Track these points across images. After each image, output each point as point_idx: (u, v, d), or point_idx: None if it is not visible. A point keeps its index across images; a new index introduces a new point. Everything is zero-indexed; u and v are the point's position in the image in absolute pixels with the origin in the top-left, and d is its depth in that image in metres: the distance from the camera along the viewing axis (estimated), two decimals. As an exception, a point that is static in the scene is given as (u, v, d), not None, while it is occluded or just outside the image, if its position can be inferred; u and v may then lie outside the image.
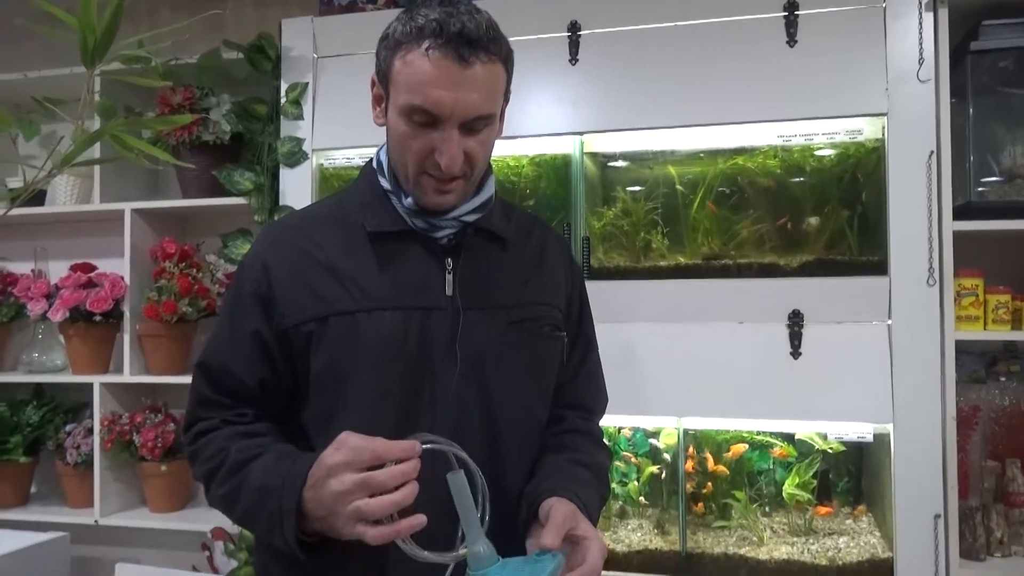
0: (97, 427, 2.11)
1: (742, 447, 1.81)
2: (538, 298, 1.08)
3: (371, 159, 1.09)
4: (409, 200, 1.02)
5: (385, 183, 1.04)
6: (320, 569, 0.94)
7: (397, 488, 0.84)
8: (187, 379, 2.02)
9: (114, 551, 2.30)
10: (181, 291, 2.06)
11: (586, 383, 1.17)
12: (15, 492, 2.24)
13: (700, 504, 1.81)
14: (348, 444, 0.87)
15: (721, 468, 1.81)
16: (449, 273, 1.01)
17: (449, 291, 1.00)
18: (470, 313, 1.00)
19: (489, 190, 1.06)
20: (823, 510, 1.78)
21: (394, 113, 0.97)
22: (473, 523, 0.87)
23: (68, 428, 2.21)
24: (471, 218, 1.04)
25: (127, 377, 2.13)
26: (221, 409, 1.02)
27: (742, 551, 1.69)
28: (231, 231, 2.10)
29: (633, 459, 1.87)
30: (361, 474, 0.84)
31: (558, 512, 0.91)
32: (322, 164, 2.00)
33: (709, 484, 1.79)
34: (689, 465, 1.80)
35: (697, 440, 1.84)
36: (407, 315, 0.98)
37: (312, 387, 1.00)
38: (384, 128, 1.02)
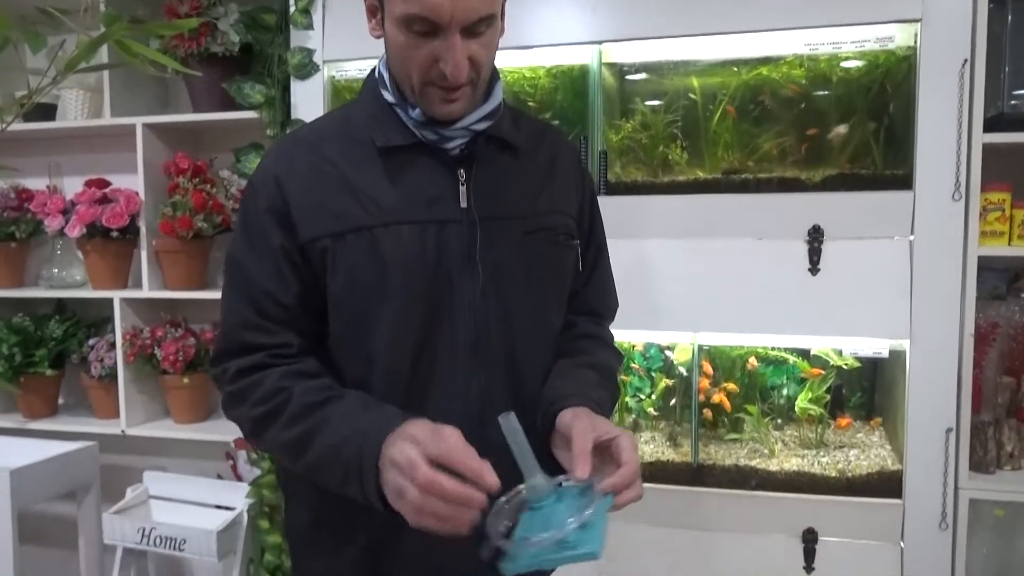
0: (119, 341, 2.15)
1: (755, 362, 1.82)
2: (552, 207, 1.07)
3: (372, 70, 1.06)
4: (416, 111, 0.99)
5: (388, 96, 1.01)
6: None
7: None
8: (205, 294, 2.10)
9: (141, 460, 2.38)
10: (196, 207, 2.06)
11: (597, 289, 1.19)
12: (44, 403, 2.31)
13: (708, 412, 1.82)
14: (424, 455, 0.82)
15: (732, 385, 1.83)
16: (462, 184, 0.99)
17: (464, 203, 0.99)
18: (486, 224, 0.99)
19: (497, 97, 1.03)
20: (843, 422, 1.80)
21: (391, 24, 0.94)
22: (529, 460, 0.87)
23: (91, 342, 2.26)
24: (481, 127, 1.01)
25: (146, 292, 2.15)
26: (264, 334, 0.98)
27: (753, 463, 1.72)
28: (243, 145, 2.08)
29: (642, 373, 1.89)
30: (422, 493, 0.81)
31: (579, 436, 0.90)
32: (333, 76, 1.95)
33: (722, 395, 1.80)
34: (703, 382, 1.82)
35: (711, 356, 1.84)
36: (423, 228, 0.97)
37: (332, 307, 0.99)
38: (382, 40, 0.99)
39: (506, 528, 0.88)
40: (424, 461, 0.81)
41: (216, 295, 1.09)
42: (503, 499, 0.87)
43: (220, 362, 1.02)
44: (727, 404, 1.80)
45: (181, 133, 2.23)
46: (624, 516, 1.71)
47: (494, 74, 1.03)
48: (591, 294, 1.17)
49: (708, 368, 1.83)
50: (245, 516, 2.03)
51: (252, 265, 0.99)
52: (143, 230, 2.14)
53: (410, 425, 0.87)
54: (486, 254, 0.99)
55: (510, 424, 0.87)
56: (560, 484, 0.89)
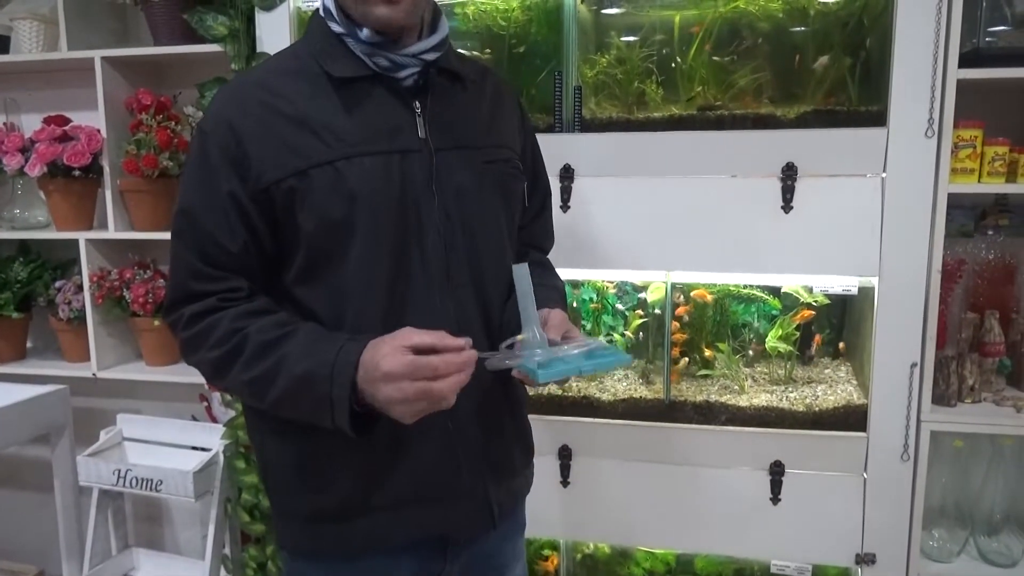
0: (87, 283, 2.12)
1: (705, 293, 1.84)
2: (501, 141, 1.11)
3: (316, 9, 1.05)
4: (365, 32, 0.99)
5: (337, 26, 1.01)
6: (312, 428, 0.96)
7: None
8: None
9: (114, 403, 2.37)
10: (160, 144, 2.01)
11: (543, 227, 1.28)
12: (11, 347, 2.28)
13: (677, 350, 1.85)
14: (405, 355, 0.88)
15: (701, 293, 1.84)
16: (419, 115, 1.01)
17: (422, 133, 1.01)
18: (445, 154, 1.02)
19: (444, 29, 1.06)
20: (817, 339, 1.84)
21: None
22: (531, 310, 0.96)
23: (58, 284, 2.22)
24: (431, 56, 1.03)
25: (112, 233, 2.11)
26: (213, 281, 0.98)
27: (723, 399, 1.75)
28: (207, 80, 2.01)
29: (620, 308, 1.90)
30: (420, 383, 0.87)
31: (556, 315, 1.03)
32: (300, 8, 1.89)
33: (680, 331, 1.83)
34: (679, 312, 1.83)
35: (684, 293, 1.86)
36: (386, 159, 0.98)
37: (304, 245, 0.98)
38: None
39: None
40: (424, 358, 0.87)
41: (182, 235, 1.08)
42: (503, 345, 0.96)
43: (173, 310, 1.02)
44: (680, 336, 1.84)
45: (142, 68, 2.16)
46: (597, 451, 1.76)
47: (437, 8, 1.06)
48: (537, 231, 1.26)
49: (682, 310, 1.85)
50: (221, 456, 2.04)
51: (200, 213, 0.98)
52: (106, 169, 2.09)
53: (375, 342, 0.91)
54: (445, 181, 1.01)
55: (522, 274, 0.96)
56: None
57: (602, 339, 0.99)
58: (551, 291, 1.15)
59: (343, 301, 0.99)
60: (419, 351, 0.88)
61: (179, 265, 1.01)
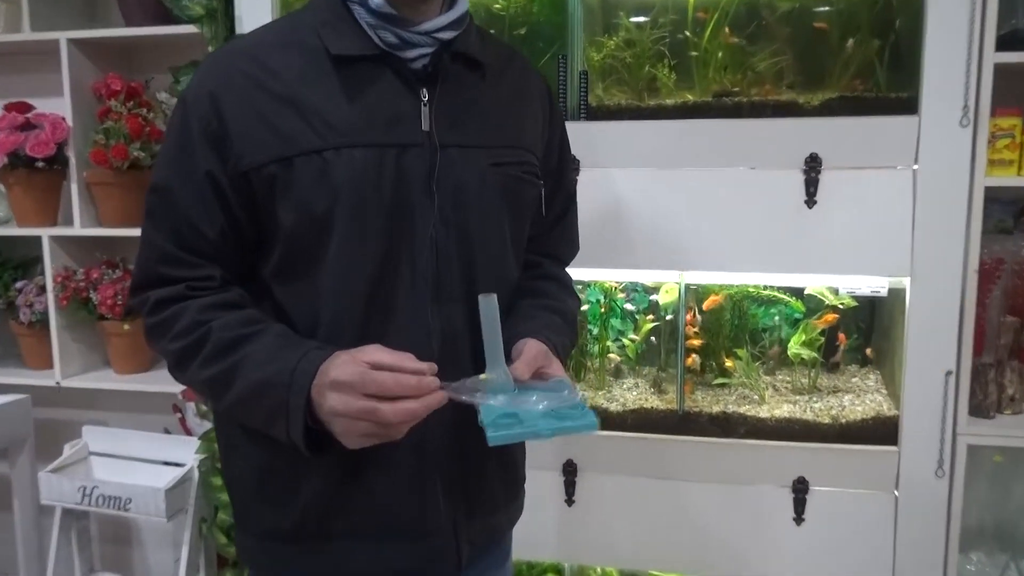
0: (50, 284, 2.12)
1: (719, 299, 1.85)
2: (518, 141, 1.07)
3: None
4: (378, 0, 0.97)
5: None
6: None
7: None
8: None
9: (80, 414, 2.36)
10: (131, 133, 2.02)
11: (563, 235, 1.24)
12: (-32, 353, 2.29)
13: (692, 358, 1.86)
14: (359, 366, 0.87)
15: (715, 300, 1.84)
16: (425, 105, 0.98)
17: (426, 126, 0.98)
18: (449, 151, 0.99)
19: (463, 4, 1.02)
20: (842, 338, 1.82)
21: None
22: (496, 349, 0.93)
23: (19, 285, 2.22)
24: (446, 35, 1.00)
25: (78, 230, 2.12)
26: (184, 267, 0.98)
27: (742, 410, 1.75)
28: (183, 64, 2.02)
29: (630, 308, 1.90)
30: (366, 401, 0.85)
31: (530, 348, 0.98)
32: (284, -14, 1.89)
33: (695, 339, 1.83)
34: (690, 320, 1.84)
35: (699, 296, 1.86)
36: (380, 152, 0.96)
37: (281, 240, 0.98)
38: None
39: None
40: (377, 372, 0.86)
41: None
42: (459, 383, 0.92)
43: (138, 292, 1.01)
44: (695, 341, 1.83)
45: (112, 50, 2.16)
46: (605, 466, 1.76)
47: None
48: (556, 239, 1.22)
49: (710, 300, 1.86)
50: (196, 472, 2.04)
51: (175, 192, 0.97)
52: (72, 160, 2.09)
53: (339, 353, 0.90)
54: (446, 182, 0.99)
55: (490, 306, 0.92)
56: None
57: (577, 390, 0.94)
58: (550, 316, 1.10)
59: (318, 305, 0.98)
60: (378, 368, 0.87)
61: (149, 246, 1.00)
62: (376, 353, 0.88)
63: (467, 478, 1.06)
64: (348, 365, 0.87)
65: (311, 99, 0.95)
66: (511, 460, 1.15)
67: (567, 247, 1.26)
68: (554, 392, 0.93)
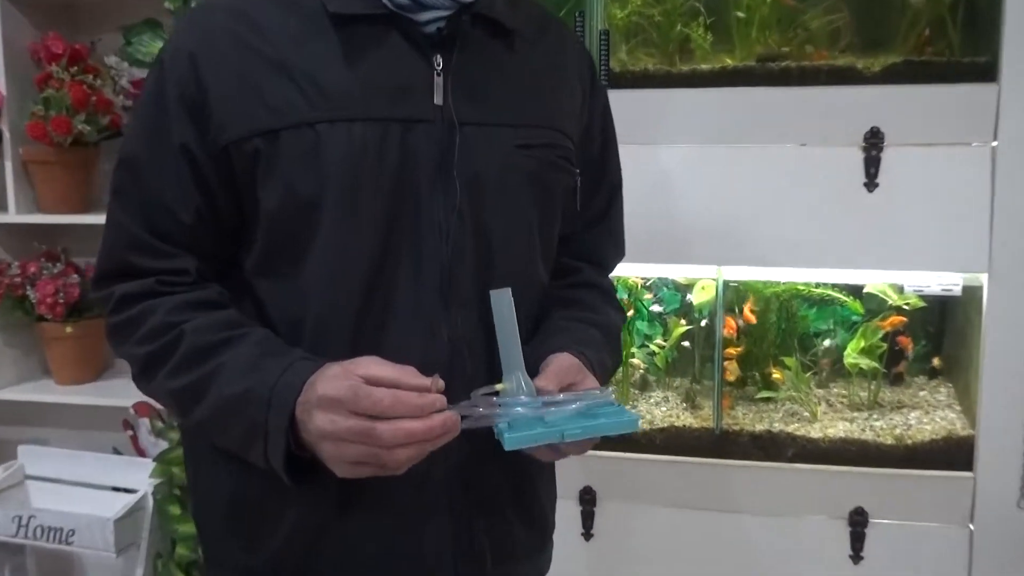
0: (-21, 280, 2.10)
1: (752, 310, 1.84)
2: (551, 121, 1.05)
3: None
4: None
5: None
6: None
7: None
8: (90, 218, 2.05)
9: (15, 431, 2.34)
10: (75, 104, 2.00)
11: (606, 236, 1.21)
12: None
13: (731, 368, 1.85)
14: (351, 379, 0.85)
15: (748, 315, 1.84)
16: (438, 75, 0.96)
17: (439, 99, 0.96)
18: (467, 130, 0.97)
19: None
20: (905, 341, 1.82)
21: None
22: (514, 350, 0.91)
23: (-56, 281, 2.20)
24: None
25: (12, 216, 2.10)
26: (155, 257, 0.97)
27: (790, 428, 1.74)
28: (135, 23, 2.01)
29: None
30: (359, 421, 0.83)
31: (559, 361, 0.97)
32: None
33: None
34: (729, 325, 1.82)
35: (740, 295, 1.86)
36: (383, 128, 0.94)
37: (264, 228, 0.97)
38: None
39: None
40: (372, 387, 0.84)
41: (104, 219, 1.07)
42: (478, 392, 0.91)
43: (103, 285, 1.01)
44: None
45: (52, 7, 2.15)
46: (629, 494, 1.75)
47: None
48: (598, 240, 1.19)
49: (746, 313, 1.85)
50: (150, 500, 2.01)
51: (148, 168, 0.97)
52: (6, 134, 2.07)
53: (329, 365, 0.88)
54: (463, 167, 0.97)
55: (503, 302, 0.90)
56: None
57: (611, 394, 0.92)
58: (586, 330, 1.08)
59: (303, 305, 0.97)
60: (374, 383, 0.85)
61: (116, 230, 0.99)
62: (372, 366, 0.86)
63: (475, 519, 1.03)
64: (339, 379, 0.85)
65: (305, 64, 0.94)
66: (538, 500, 1.12)
67: (611, 250, 1.23)
68: (587, 398, 0.91)
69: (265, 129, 0.93)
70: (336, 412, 0.84)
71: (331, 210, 0.94)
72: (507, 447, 0.85)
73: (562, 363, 0.96)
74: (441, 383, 0.86)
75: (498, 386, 0.91)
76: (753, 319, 1.84)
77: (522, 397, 0.90)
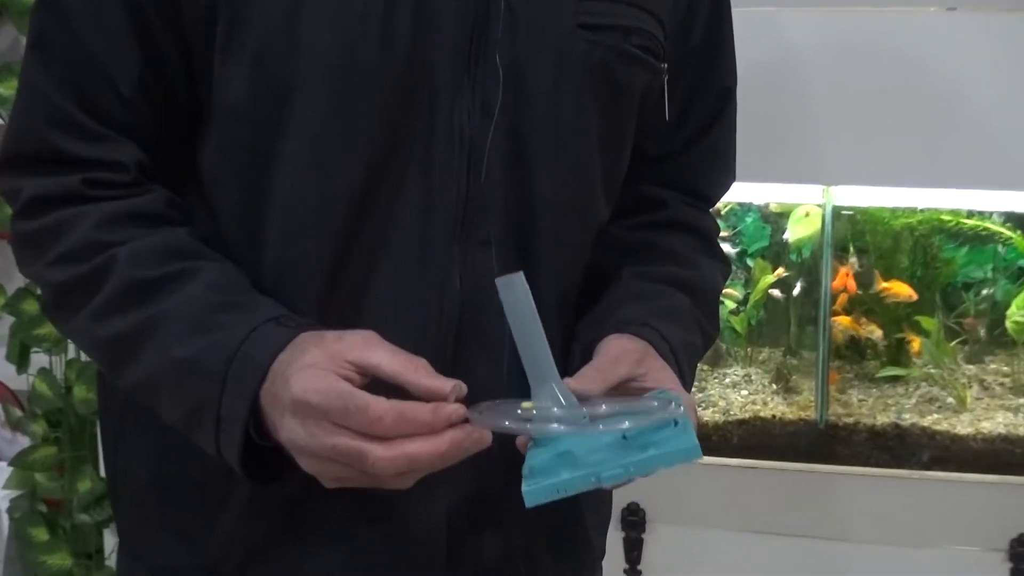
0: None
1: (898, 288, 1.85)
2: None
3: None
4: None
5: None
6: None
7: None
8: None
9: None
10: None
11: (710, 156, 1.22)
12: None
13: (843, 333, 1.85)
14: (339, 370, 0.86)
15: (896, 287, 1.82)
16: None
17: None
18: (503, 6, 0.97)
19: None
20: None
21: None
22: (539, 361, 0.90)
23: None
24: None
25: None
26: (83, 140, 0.98)
27: (926, 421, 1.77)
28: None
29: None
30: (346, 439, 0.84)
31: (610, 349, 0.96)
32: None
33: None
34: (842, 276, 1.79)
35: (856, 227, 1.82)
36: None
37: (220, 116, 0.99)
38: None
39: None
40: (369, 395, 0.83)
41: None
42: (489, 405, 0.91)
43: (9, 171, 1.02)
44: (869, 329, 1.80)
45: None
46: (691, 515, 1.74)
47: None
48: (696, 163, 1.20)
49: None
50: (5, 520, 2.08)
51: (77, 14, 0.97)
52: None
53: (306, 338, 0.89)
54: (500, 51, 0.97)
55: (513, 291, 0.89)
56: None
57: (682, 408, 0.89)
58: (669, 295, 1.09)
59: (263, 235, 0.99)
60: (369, 374, 0.86)
61: (32, 97, 1.00)
62: (369, 350, 0.87)
63: (489, 524, 1.06)
64: (322, 375, 0.85)
65: None
66: (571, 509, 1.10)
67: (715, 175, 1.24)
68: (639, 411, 0.89)
69: None
70: (317, 424, 0.84)
71: (309, 99, 0.95)
72: (527, 503, 0.85)
73: (612, 350, 0.96)
74: (463, 388, 0.86)
75: (525, 404, 0.91)
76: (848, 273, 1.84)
77: (555, 410, 0.90)
